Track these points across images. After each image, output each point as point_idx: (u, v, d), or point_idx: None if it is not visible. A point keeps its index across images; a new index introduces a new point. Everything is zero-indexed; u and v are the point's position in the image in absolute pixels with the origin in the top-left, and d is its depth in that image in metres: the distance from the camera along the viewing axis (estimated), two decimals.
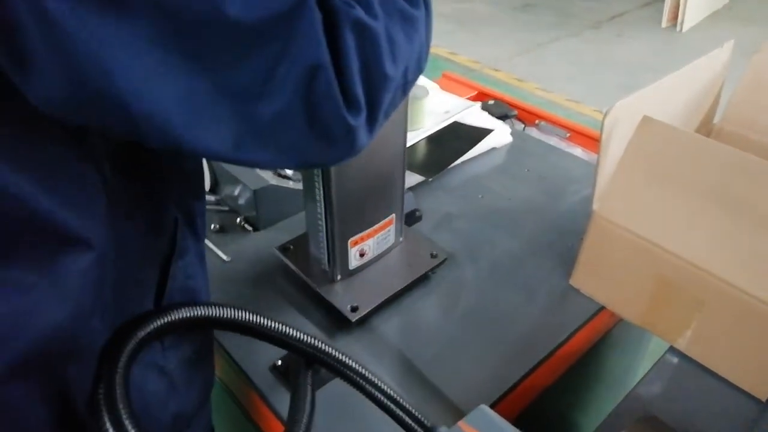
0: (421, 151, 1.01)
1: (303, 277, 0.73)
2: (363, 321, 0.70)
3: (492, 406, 0.62)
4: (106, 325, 0.41)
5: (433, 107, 1.08)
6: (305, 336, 0.49)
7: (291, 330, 0.48)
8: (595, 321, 0.73)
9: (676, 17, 4.06)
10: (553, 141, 1.15)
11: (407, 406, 0.50)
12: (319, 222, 0.68)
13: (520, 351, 0.68)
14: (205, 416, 0.57)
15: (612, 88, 3.27)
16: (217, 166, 0.89)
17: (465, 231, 0.86)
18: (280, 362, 0.65)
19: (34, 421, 0.37)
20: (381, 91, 0.37)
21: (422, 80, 1.12)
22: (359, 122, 0.36)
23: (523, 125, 1.20)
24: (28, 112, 0.30)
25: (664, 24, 4.10)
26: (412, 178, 0.94)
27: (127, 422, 0.37)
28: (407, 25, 0.38)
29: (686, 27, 4.02)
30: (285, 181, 0.86)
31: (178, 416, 0.50)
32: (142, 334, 0.42)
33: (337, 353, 0.50)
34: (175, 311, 0.44)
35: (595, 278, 0.73)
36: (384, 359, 0.67)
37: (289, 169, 0.62)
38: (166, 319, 0.43)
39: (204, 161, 0.70)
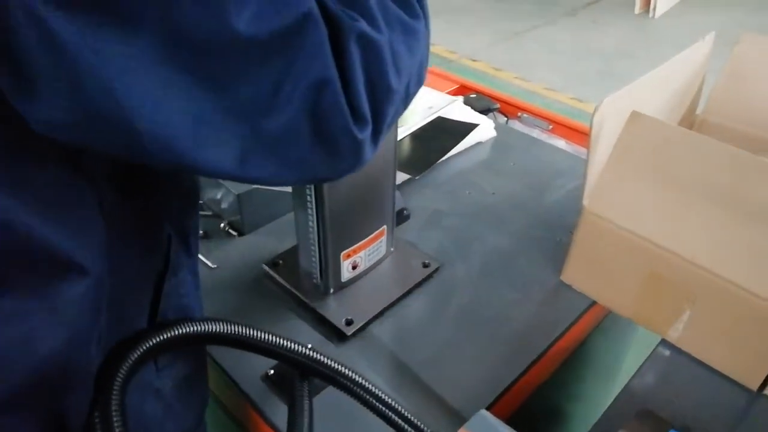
0: (407, 148, 1.00)
1: (295, 292, 0.72)
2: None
3: (489, 407, 0.62)
4: (102, 348, 0.40)
5: (416, 103, 1.06)
6: (307, 350, 0.48)
7: (294, 345, 0.48)
8: (587, 316, 0.73)
9: (648, 3, 4.10)
10: (536, 133, 1.15)
11: (409, 416, 0.50)
12: (311, 235, 0.67)
13: (516, 350, 0.67)
14: None
15: (589, 76, 3.29)
16: None
17: (454, 228, 0.86)
18: (272, 371, 0.63)
19: None
20: (386, 104, 0.37)
21: None
22: (365, 135, 0.36)
23: (505, 118, 1.19)
24: (25, 135, 0.29)
25: (637, 10, 4.15)
26: (398, 177, 0.93)
27: None
28: (409, 37, 0.38)
29: (658, 13, 4.07)
30: None
31: None
32: (136, 355, 0.40)
33: (341, 367, 0.49)
34: (170, 329, 0.42)
35: (586, 274, 0.73)
36: (379, 366, 0.66)
37: (295, 185, 0.61)
38: (160, 338, 0.42)
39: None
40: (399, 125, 1.03)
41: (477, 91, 1.22)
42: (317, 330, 0.70)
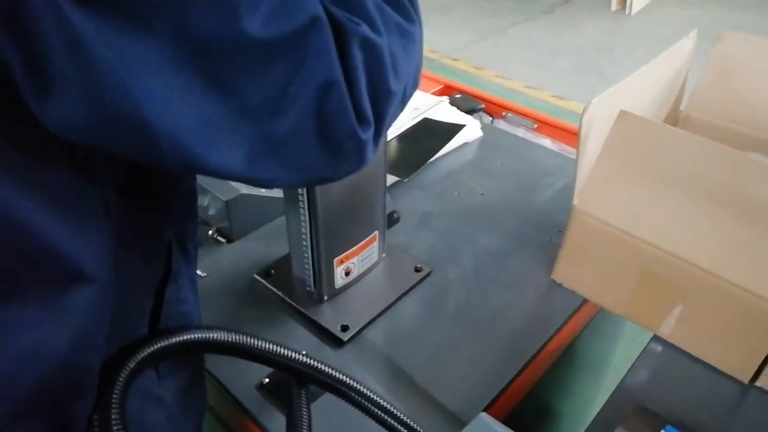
0: (394, 150, 1.00)
1: (289, 301, 0.72)
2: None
3: (486, 409, 0.62)
4: (102, 354, 0.39)
5: None
6: (313, 361, 0.48)
7: (299, 353, 0.48)
8: (579, 314, 0.74)
9: (624, 1, 4.16)
10: (521, 132, 1.16)
11: (409, 421, 0.50)
12: (304, 242, 0.66)
13: (510, 350, 0.68)
14: None
15: (567, 72, 3.32)
16: None
17: (445, 230, 0.86)
18: (267, 380, 0.63)
19: None
20: (386, 106, 0.38)
21: None
22: (368, 136, 0.37)
23: (491, 118, 1.20)
24: (41, 137, 0.29)
25: (613, 7, 4.20)
26: (387, 179, 0.92)
27: None
28: (406, 41, 0.39)
29: (635, 10, 4.13)
30: (256, 189, 0.84)
31: None
32: (134, 362, 0.40)
33: (342, 376, 0.49)
34: (169, 337, 0.42)
35: (578, 272, 0.74)
36: (375, 370, 0.65)
37: (299, 186, 0.61)
38: (159, 345, 0.42)
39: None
40: None
41: (461, 91, 1.22)
42: (312, 337, 0.69)
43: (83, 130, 0.29)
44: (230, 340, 0.45)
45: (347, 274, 0.71)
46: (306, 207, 0.63)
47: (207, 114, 0.31)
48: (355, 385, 0.49)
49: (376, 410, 0.50)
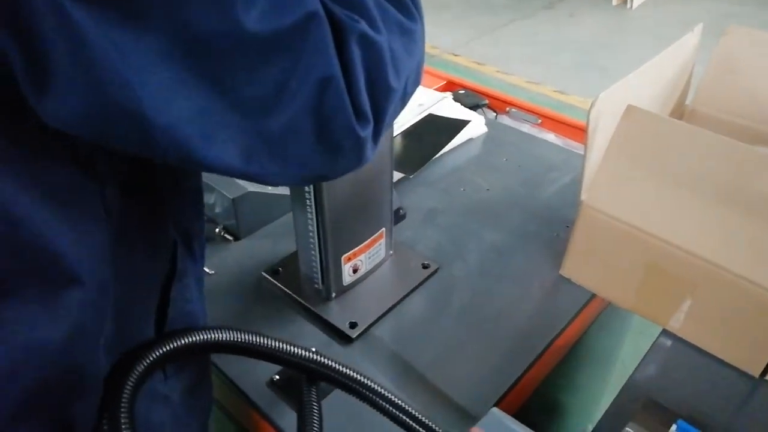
0: (399, 147, 1.00)
1: (297, 298, 0.72)
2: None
3: (496, 404, 0.62)
4: (109, 355, 0.39)
5: None
6: (318, 356, 0.48)
7: (304, 350, 0.48)
8: (587, 309, 0.74)
9: None
10: (525, 128, 1.16)
11: (422, 417, 0.50)
12: (312, 240, 0.66)
13: (520, 346, 0.68)
14: None
15: (569, 67, 3.32)
16: None
17: (451, 226, 0.86)
18: (277, 377, 0.63)
19: None
20: (385, 103, 0.37)
21: None
22: (367, 133, 0.37)
23: (494, 114, 1.19)
24: (41, 133, 0.29)
25: (614, 2, 4.18)
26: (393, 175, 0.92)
27: None
28: (406, 38, 0.39)
29: (636, 4, 4.11)
30: (263, 186, 0.84)
31: None
32: (143, 365, 0.40)
33: (352, 372, 0.49)
34: (178, 338, 0.42)
35: (586, 267, 0.74)
36: (384, 367, 0.66)
37: (297, 183, 0.61)
38: (169, 347, 0.42)
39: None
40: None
41: (464, 87, 1.22)
42: (320, 334, 0.69)
43: (82, 124, 0.29)
44: (240, 339, 0.45)
45: (355, 271, 0.71)
46: (313, 204, 0.63)
47: (204, 108, 0.31)
48: (368, 383, 0.50)
49: (388, 407, 0.50)
